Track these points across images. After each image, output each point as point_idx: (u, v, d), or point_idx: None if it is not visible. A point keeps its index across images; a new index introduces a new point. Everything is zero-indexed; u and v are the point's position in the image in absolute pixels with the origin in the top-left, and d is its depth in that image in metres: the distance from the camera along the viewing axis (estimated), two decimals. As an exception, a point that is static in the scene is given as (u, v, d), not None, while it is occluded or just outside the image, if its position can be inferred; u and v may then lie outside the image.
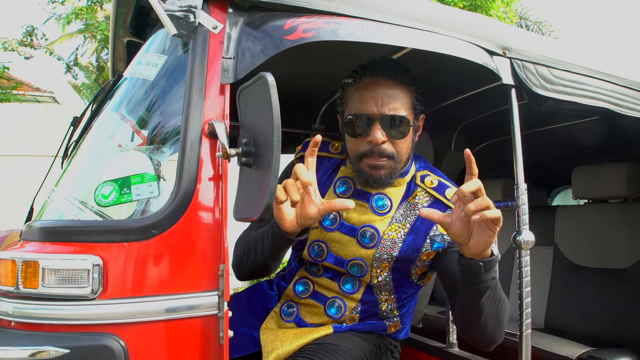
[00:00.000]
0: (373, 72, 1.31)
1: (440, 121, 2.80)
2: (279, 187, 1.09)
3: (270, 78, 0.93)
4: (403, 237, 1.35)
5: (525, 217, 1.42)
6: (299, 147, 1.55)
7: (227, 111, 1.10)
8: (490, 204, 1.01)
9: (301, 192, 1.12)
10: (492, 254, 1.10)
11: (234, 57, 1.11)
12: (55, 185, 1.20)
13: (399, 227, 1.36)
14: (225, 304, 1.03)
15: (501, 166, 3.04)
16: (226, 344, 1.02)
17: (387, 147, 1.30)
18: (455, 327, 1.71)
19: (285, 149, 1.71)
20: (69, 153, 1.31)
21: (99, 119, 1.25)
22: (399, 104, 1.30)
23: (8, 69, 5.45)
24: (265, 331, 1.43)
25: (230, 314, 1.05)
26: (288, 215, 1.14)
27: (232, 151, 0.99)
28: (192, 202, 1.06)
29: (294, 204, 1.13)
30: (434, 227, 1.34)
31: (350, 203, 1.12)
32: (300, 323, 1.44)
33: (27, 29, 5.26)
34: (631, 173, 2.06)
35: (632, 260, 2.03)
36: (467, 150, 1.08)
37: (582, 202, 2.50)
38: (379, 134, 1.27)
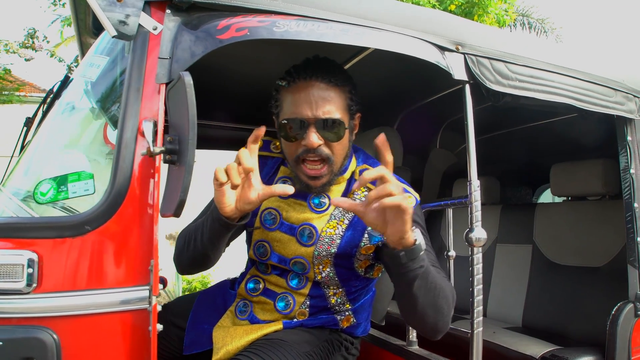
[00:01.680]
0: (306, 74, 1.30)
1: (423, 119, 2.80)
2: (220, 169, 1.12)
3: (187, 78, 0.95)
4: (341, 233, 1.35)
5: (477, 214, 1.41)
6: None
7: (162, 110, 1.12)
8: (392, 191, 0.98)
9: (242, 177, 1.14)
10: (415, 243, 1.08)
11: (169, 58, 1.13)
12: (2, 184, 1.24)
13: (337, 224, 1.36)
14: (154, 298, 1.06)
15: (485, 164, 3.01)
16: (154, 338, 1.05)
17: (324, 149, 1.30)
18: (415, 324, 1.71)
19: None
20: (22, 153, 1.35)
21: (45, 119, 1.29)
22: (333, 107, 1.29)
23: (10, 71, 5.59)
24: (218, 329, 1.44)
25: (159, 308, 1.07)
26: (228, 199, 1.16)
27: (157, 149, 1.01)
28: (125, 200, 1.08)
29: (234, 187, 1.14)
30: None
31: (289, 189, 1.15)
32: (253, 320, 1.45)
33: (29, 31, 5.40)
34: (607, 169, 2.03)
35: (607, 259, 1.99)
36: (382, 135, 1.07)
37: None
38: (314, 138, 1.27)
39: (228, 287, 1.61)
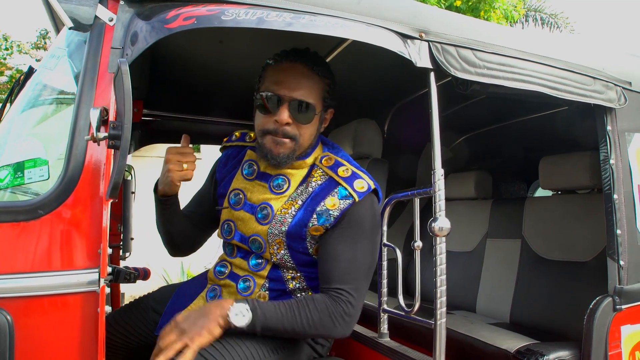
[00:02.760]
0: (293, 57, 1.40)
1: (416, 113, 2.76)
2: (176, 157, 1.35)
3: (124, 67, 0.98)
4: (293, 212, 1.40)
5: (441, 204, 1.39)
6: (225, 139, 1.66)
7: (114, 99, 1.15)
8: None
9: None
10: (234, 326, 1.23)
11: (121, 47, 1.16)
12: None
13: (292, 204, 1.41)
14: (102, 280, 1.09)
15: (479, 158, 2.97)
16: (101, 320, 1.08)
17: (291, 129, 1.38)
18: (386, 317, 1.70)
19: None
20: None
21: (9, 109, 1.34)
22: (308, 92, 1.39)
23: (22, 71, 5.76)
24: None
25: (107, 290, 1.10)
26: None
27: (100, 135, 1.04)
28: (77, 185, 1.12)
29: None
30: (322, 203, 1.37)
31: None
32: None
33: (41, 32, 5.57)
34: (594, 162, 1.96)
35: (593, 253, 1.94)
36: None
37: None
38: (285, 115, 1.35)
39: (203, 277, 1.64)
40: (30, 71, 1.34)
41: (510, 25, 6.09)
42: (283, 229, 1.40)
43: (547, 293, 2.07)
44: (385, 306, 1.68)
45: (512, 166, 2.81)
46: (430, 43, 1.41)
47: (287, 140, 1.38)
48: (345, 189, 1.37)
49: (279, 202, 1.43)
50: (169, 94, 2.29)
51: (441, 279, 1.39)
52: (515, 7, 5.88)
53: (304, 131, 1.40)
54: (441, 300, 1.38)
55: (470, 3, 5.49)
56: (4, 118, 1.32)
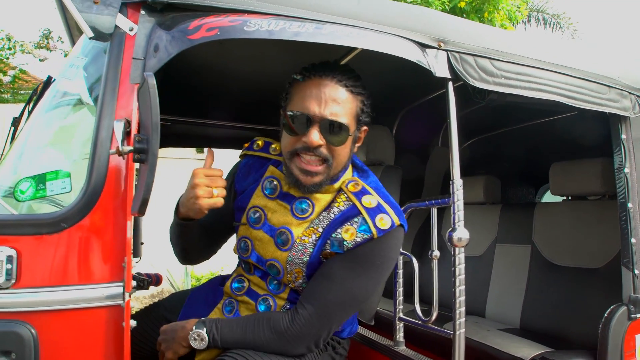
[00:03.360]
0: (322, 72, 1.28)
1: (424, 117, 2.77)
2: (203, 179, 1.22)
3: (151, 80, 0.97)
4: (314, 242, 1.33)
5: (460, 214, 1.39)
6: (246, 145, 1.57)
7: (137, 110, 1.14)
8: None
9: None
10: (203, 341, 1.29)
11: (143, 58, 1.15)
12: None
13: (313, 232, 1.34)
14: (127, 294, 1.08)
15: (487, 163, 2.97)
16: (127, 333, 1.07)
17: (323, 150, 1.27)
18: (402, 325, 1.70)
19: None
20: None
21: (29, 119, 1.33)
22: (342, 110, 1.27)
23: (25, 71, 5.75)
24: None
25: (132, 304, 1.09)
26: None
27: (126, 148, 1.03)
28: (100, 198, 1.11)
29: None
30: (338, 230, 1.31)
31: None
32: None
33: (44, 32, 5.54)
34: (606, 168, 1.97)
35: (604, 260, 1.94)
36: None
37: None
38: (315, 136, 1.24)
39: (218, 284, 1.63)
40: (49, 81, 1.32)
41: (513, 25, 6.10)
42: (305, 259, 1.33)
43: (557, 299, 2.07)
44: (401, 314, 1.68)
45: (520, 171, 2.82)
46: (449, 52, 1.41)
47: (320, 167, 1.28)
48: (366, 221, 1.28)
49: (299, 228, 1.35)
50: (178, 97, 2.28)
51: (460, 289, 1.39)
52: (519, 7, 5.88)
53: (337, 153, 1.28)
54: (460, 310, 1.38)
55: (474, 4, 5.48)
56: (22, 128, 1.31)
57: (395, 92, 2.45)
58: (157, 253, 3.35)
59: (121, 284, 1.10)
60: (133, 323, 1.09)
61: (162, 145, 2.67)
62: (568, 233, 2.12)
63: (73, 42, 1.66)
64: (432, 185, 2.92)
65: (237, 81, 2.09)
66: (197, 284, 5.67)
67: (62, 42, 5.93)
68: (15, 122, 1.38)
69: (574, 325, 1.96)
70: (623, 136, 1.64)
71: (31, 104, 1.33)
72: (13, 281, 1.08)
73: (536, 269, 2.22)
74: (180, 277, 4.81)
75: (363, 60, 1.90)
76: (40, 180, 1.14)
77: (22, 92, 6.23)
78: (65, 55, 5.87)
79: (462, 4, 5.41)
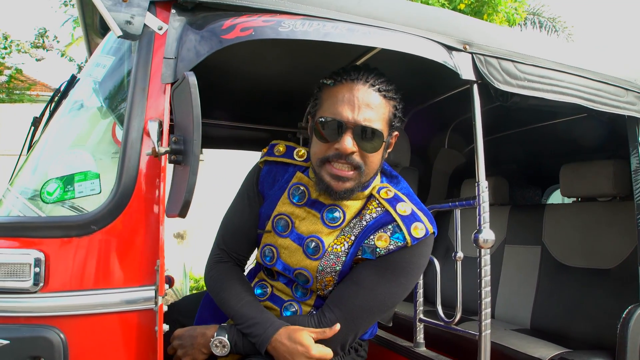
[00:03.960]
0: (355, 76, 1.23)
1: (431, 119, 2.78)
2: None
3: (192, 78, 0.95)
4: (347, 250, 1.30)
5: (485, 215, 1.39)
6: (265, 150, 1.50)
7: (168, 110, 1.12)
8: None
9: None
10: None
11: (174, 58, 1.13)
12: (10, 183, 1.25)
13: (345, 240, 1.31)
14: (160, 298, 1.06)
15: (493, 165, 2.98)
16: (160, 338, 1.05)
17: (356, 157, 1.24)
18: (422, 326, 1.70)
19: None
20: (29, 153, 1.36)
21: (52, 119, 1.30)
22: (375, 116, 1.23)
23: (21, 71, 5.66)
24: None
25: (165, 308, 1.07)
26: None
27: (162, 149, 1.01)
28: (131, 200, 1.09)
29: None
30: (371, 237, 1.29)
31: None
32: None
33: (39, 31, 5.46)
34: (617, 170, 1.99)
35: (617, 261, 1.96)
36: None
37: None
38: (348, 143, 1.20)
39: None
40: (72, 80, 1.30)
41: (511, 28, 6.16)
42: (337, 268, 1.30)
43: (568, 300, 2.08)
44: (421, 316, 1.67)
45: (527, 172, 2.84)
46: (474, 55, 1.41)
47: (351, 172, 1.24)
48: (401, 229, 1.25)
49: (330, 236, 1.31)
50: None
51: (486, 290, 1.39)
52: (517, 10, 5.94)
53: (370, 160, 1.24)
54: (486, 311, 1.38)
55: (473, 6, 5.53)
56: (45, 128, 1.28)
57: (404, 95, 2.45)
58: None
59: (153, 287, 1.08)
60: (166, 327, 1.07)
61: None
62: (579, 234, 2.14)
63: (89, 43, 1.63)
64: (439, 186, 2.93)
65: (242, 81, 2.07)
66: (195, 285, 5.63)
67: (58, 41, 5.86)
68: (36, 121, 1.35)
69: (586, 325, 1.98)
70: (640, 139, 1.66)
71: (53, 104, 1.30)
72: (41, 285, 1.05)
73: (546, 269, 2.23)
74: (179, 277, 4.77)
75: (374, 63, 1.89)
76: (68, 181, 1.11)
77: (17, 92, 6.12)
78: (63, 55, 5.79)
79: (462, 6, 5.46)
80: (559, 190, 3.01)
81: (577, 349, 1.78)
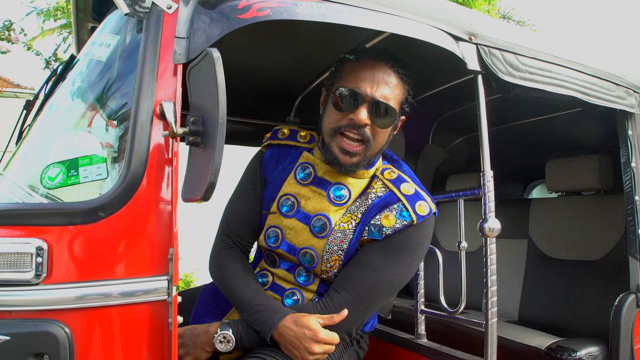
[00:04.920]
0: (378, 56, 1.30)
1: (416, 115, 2.79)
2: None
3: (216, 54, 0.91)
4: (353, 228, 1.32)
5: (491, 205, 1.41)
6: (268, 135, 1.52)
7: (179, 91, 1.07)
8: None
9: None
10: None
11: (186, 37, 1.08)
12: (3, 169, 1.16)
13: (351, 218, 1.33)
14: (175, 288, 1.00)
15: (478, 161, 3.04)
16: (175, 331, 0.99)
17: (367, 130, 1.28)
18: (423, 318, 1.70)
19: (258, 141, 1.70)
20: (22, 137, 1.27)
21: (50, 101, 1.22)
22: (391, 94, 1.29)
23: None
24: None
25: (180, 299, 1.02)
26: None
27: (180, 130, 0.96)
28: (141, 185, 1.03)
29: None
30: (377, 217, 1.31)
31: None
32: None
33: (5, 23, 5.16)
34: (602, 165, 2.07)
35: (603, 252, 2.03)
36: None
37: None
38: (364, 114, 1.25)
39: None
40: (72, 60, 1.22)
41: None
42: (344, 246, 1.31)
43: (555, 291, 2.14)
44: (423, 307, 1.67)
45: (509, 168, 2.91)
46: (479, 46, 1.43)
47: (359, 147, 1.28)
48: (406, 208, 1.29)
49: (337, 214, 1.33)
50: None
51: (492, 279, 1.41)
52: (489, 12, 6.10)
53: (379, 135, 1.29)
54: (492, 300, 1.39)
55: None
56: (43, 109, 1.19)
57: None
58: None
59: (166, 277, 1.02)
60: (180, 319, 1.01)
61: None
62: (565, 227, 2.20)
63: (78, 33, 1.54)
64: (424, 182, 2.95)
65: (241, 75, 2.02)
66: (183, 279, 5.44)
67: (25, 34, 5.56)
68: (29, 105, 1.26)
69: (574, 315, 2.03)
70: (629, 132, 1.72)
71: (48, 86, 1.22)
72: (44, 276, 0.98)
73: (533, 262, 2.29)
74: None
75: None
76: (71, 165, 1.04)
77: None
78: (29, 49, 5.50)
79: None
80: (540, 185, 3.11)
81: (566, 338, 1.82)
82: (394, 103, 1.29)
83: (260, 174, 1.46)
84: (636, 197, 1.70)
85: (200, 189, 0.90)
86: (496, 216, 2.53)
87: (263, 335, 1.23)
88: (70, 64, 1.23)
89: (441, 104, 2.66)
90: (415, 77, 1.89)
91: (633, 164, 1.71)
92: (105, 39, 1.15)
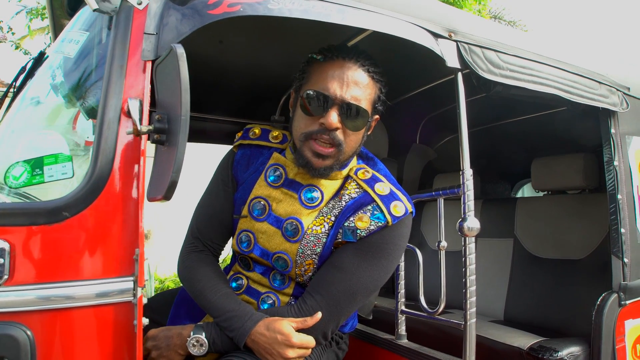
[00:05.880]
0: (346, 54, 1.24)
1: (403, 114, 2.79)
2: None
3: (180, 50, 0.89)
4: (327, 231, 1.28)
5: (470, 204, 1.39)
6: (239, 134, 1.48)
7: (148, 89, 1.05)
8: None
9: None
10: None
11: (156, 33, 1.06)
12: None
13: (324, 221, 1.29)
14: (140, 289, 0.98)
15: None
16: (139, 333, 0.97)
17: (338, 134, 1.23)
18: (404, 318, 1.68)
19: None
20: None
21: (17, 99, 1.19)
22: (362, 94, 1.23)
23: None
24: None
25: (143, 302, 1.00)
26: None
27: (144, 128, 0.94)
28: (107, 184, 1.00)
29: None
30: (351, 219, 1.27)
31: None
32: None
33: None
34: (587, 164, 2.06)
35: (587, 251, 2.02)
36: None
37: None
38: (334, 118, 1.20)
39: None
40: (40, 57, 1.19)
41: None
42: (317, 250, 1.27)
43: (541, 290, 2.13)
44: (403, 307, 1.66)
45: (496, 167, 2.90)
46: (459, 43, 1.41)
47: (331, 150, 1.23)
48: (380, 209, 1.25)
49: (309, 217, 1.29)
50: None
51: (471, 279, 1.39)
52: (480, 12, 6.10)
53: (351, 139, 1.24)
54: (471, 300, 1.38)
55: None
56: (10, 108, 1.16)
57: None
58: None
59: (132, 278, 1.00)
60: (145, 321, 0.99)
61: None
62: (550, 226, 2.20)
63: (55, 31, 1.52)
64: (411, 181, 2.94)
65: (231, 74, 2.00)
66: (160, 286, 5.43)
67: (13, 33, 5.50)
68: (-3, 102, 1.23)
69: (559, 314, 2.03)
70: (612, 131, 1.71)
71: (17, 84, 1.19)
72: (5, 277, 0.95)
73: (519, 261, 2.28)
74: (144, 277, 4.57)
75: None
76: (36, 164, 1.01)
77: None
78: (17, 48, 5.44)
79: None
80: (527, 185, 3.10)
81: (550, 337, 1.81)
82: (365, 104, 1.24)
83: (231, 175, 1.42)
84: (619, 196, 1.69)
85: (162, 188, 0.88)
86: (482, 215, 2.55)
87: (236, 342, 1.20)
88: (39, 60, 1.21)
89: (429, 102, 2.65)
90: (402, 76, 1.88)
91: (616, 163, 1.70)
92: (75, 35, 1.13)
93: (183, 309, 1.49)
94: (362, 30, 1.59)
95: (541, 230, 2.23)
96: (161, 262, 4.81)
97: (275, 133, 1.44)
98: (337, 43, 1.66)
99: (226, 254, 1.55)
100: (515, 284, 2.26)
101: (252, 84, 2.08)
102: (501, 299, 2.29)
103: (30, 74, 1.19)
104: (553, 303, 2.07)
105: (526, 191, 3.18)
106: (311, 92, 1.21)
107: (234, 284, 1.41)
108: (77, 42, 1.10)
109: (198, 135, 2.44)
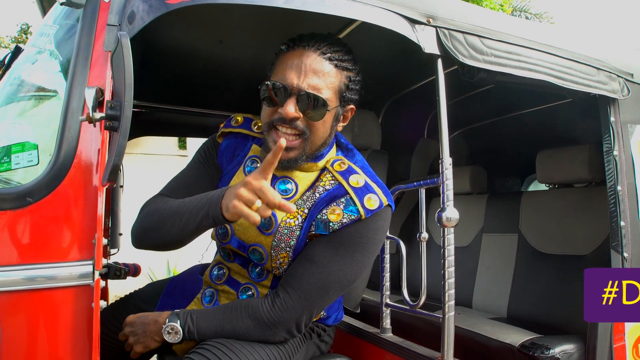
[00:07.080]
0: (307, 43, 1.21)
1: (411, 107, 2.74)
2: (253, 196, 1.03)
3: (125, 40, 0.91)
4: (300, 224, 1.26)
5: (449, 193, 1.35)
6: (222, 125, 1.46)
7: (110, 79, 1.08)
8: None
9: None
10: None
11: (117, 25, 1.09)
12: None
13: (298, 214, 1.27)
14: (97, 273, 1.01)
15: (473, 154, 2.95)
16: (96, 315, 1.00)
17: (300, 123, 1.21)
18: (389, 311, 1.65)
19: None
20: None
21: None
22: (322, 84, 1.20)
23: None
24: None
25: (102, 284, 1.02)
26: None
27: (97, 115, 0.96)
28: (70, 171, 1.04)
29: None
30: (324, 211, 1.25)
31: (291, 207, 1.04)
32: None
33: (22, 27, 5.37)
34: (592, 155, 1.96)
35: (592, 247, 1.93)
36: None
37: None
38: (290, 108, 1.18)
39: (198, 273, 1.56)
40: (17, 51, 1.25)
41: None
42: (291, 242, 1.26)
43: (545, 287, 2.05)
44: (388, 300, 1.63)
45: (506, 161, 2.81)
46: (438, 29, 1.37)
47: (296, 142, 1.21)
48: (354, 202, 1.23)
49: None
50: (159, 83, 2.20)
51: (449, 271, 1.35)
52: (502, 5, 5.92)
53: (315, 128, 1.22)
54: (449, 292, 1.34)
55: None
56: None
57: (382, 81, 2.41)
58: (139, 250, 3.24)
59: (91, 262, 1.03)
60: (103, 304, 1.02)
61: (142, 134, 2.56)
62: (555, 221, 2.11)
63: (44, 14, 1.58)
64: (418, 175, 2.89)
65: (223, 67, 2.02)
66: None
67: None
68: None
69: (562, 311, 1.94)
70: (612, 119, 1.62)
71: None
72: (-30, 261, 1.00)
73: (523, 257, 2.20)
74: (162, 274, 4.69)
75: (353, 46, 1.86)
76: (4, 152, 1.06)
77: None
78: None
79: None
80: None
81: (553, 334, 1.74)
82: (327, 93, 1.20)
83: (216, 163, 1.42)
84: (619, 188, 1.60)
85: (107, 172, 0.90)
86: (487, 210, 2.47)
87: (213, 218, 1.12)
88: (16, 54, 1.26)
89: (435, 95, 2.59)
90: (406, 68, 1.82)
91: (615, 153, 1.61)
92: (46, 29, 1.17)
93: (172, 299, 1.51)
94: (350, 22, 1.57)
95: (546, 225, 2.15)
96: (181, 258, 4.91)
97: (259, 123, 1.41)
98: (340, 36, 1.66)
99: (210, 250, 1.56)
100: (520, 280, 2.19)
101: (233, 76, 2.08)
102: (505, 295, 2.22)
103: (7, 68, 1.24)
104: (556, 300, 1.99)
105: (534, 186, 3.07)
106: (269, 83, 1.20)
107: (215, 273, 1.42)
108: (47, 35, 1.15)
109: (200, 130, 2.49)
